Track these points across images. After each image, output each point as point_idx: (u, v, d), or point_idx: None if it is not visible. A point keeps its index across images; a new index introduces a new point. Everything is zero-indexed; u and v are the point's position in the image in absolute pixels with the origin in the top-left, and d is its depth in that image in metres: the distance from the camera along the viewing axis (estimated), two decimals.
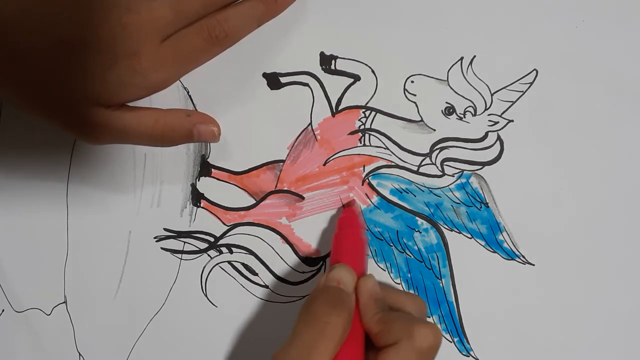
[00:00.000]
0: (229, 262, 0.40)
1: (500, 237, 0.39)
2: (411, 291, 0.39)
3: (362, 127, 0.39)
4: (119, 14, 0.32)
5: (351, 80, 0.39)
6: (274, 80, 0.39)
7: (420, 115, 0.39)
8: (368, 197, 0.39)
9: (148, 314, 0.40)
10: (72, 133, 0.35)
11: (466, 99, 0.39)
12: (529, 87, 0.38)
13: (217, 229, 0.40)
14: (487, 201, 0.39)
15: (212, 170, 0.40)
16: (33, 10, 0.32)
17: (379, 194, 0.39)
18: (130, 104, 0.35)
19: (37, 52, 0.32)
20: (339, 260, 0.35)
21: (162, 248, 0.40)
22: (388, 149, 0.39)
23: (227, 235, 0.40)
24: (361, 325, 0.33)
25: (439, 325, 0.39)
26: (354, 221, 0.38)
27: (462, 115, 0.39)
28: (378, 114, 0.39)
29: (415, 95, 0.39)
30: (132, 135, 0.35)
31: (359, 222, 0.38)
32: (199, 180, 0.40)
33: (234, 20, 0.35)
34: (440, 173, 0.39)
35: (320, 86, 0.39)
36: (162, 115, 0.35)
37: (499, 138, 0.39)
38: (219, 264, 0.40)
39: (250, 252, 0.40)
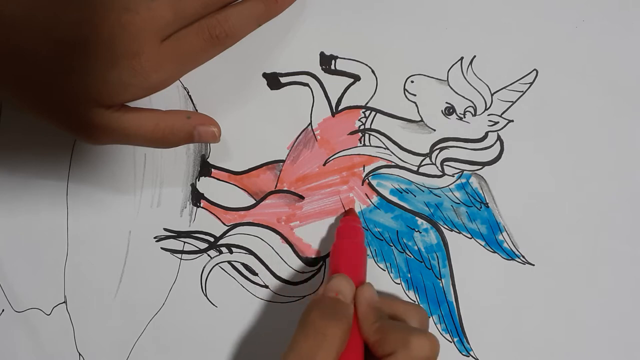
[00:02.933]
0: (229, 262, 0.40)
1: (500, 237, 0.39)
2: (413, 300, 0.39)
3: (362, 127, 0.39)
4: (119, 14, 0.32)
5: (351, 80, 0.39)
6: (274, 80, 0.39)
7: (420, 115, 0.39)
8: (368, 197, 0.39)
9: (148, 314, 0.40)
10: (72, 134, 0.35)
11: (466, 99, 0.39)
12: (529, 87, 0.38)
13: (217, 229, 0.40)
14: (487, 201, 0.39)
15: (212, 170, 0.40)
16: (33, 10, 0.32)
17: (379, 194, 0.39)
18: (130, 104, 0.35)
19: (37, 52, 0.32)
20: (338, 270, 0.35)
21: (162, 248, 0.40)
22: (388, 149, 0.39)
23: (227, 235, 0.40)
24: (360, 334, 0.33)
25: (438, 326, 0.39)
26: (354, 230, 0.37)
27: (462, 115, 0.39)
28: (378, 114, 0.39)
29: (415, 95, 0.39)
30: (132, 137, 0.35)
31: (360, 231, 0.37)
32: (199, 180, 0.40)
33: (234, 20, 0.35)
34: (440, 173, 0.39)
35: (320, 86, 0.39)
36: (162, 118, 0.35)
37: (499, 138, 0.39)
38: (219, 264, 0.40)
39: (250, 252, 0.40)
